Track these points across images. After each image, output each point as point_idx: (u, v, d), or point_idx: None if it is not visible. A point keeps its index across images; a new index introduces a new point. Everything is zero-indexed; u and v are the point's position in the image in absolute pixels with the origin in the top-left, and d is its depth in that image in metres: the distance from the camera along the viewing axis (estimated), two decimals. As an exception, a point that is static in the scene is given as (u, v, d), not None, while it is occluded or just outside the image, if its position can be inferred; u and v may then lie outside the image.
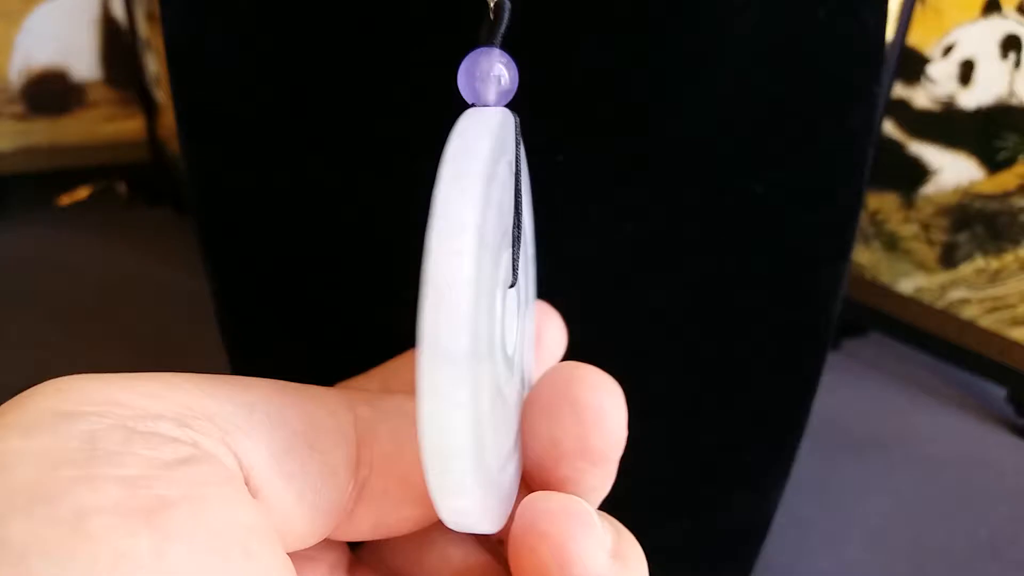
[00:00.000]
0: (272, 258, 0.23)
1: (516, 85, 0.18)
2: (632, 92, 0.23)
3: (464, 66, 0.17)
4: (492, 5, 0.18)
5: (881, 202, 0.50)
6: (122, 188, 0.64)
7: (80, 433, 0.12)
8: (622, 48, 0.22)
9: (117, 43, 0.57)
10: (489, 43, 0.18)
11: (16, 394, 0.13)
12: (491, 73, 0.17)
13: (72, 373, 0.14)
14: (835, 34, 0.23)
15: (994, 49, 0.44)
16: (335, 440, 0.15)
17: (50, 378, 0.13)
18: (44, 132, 0.57)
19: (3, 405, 0.13)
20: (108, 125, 0.58)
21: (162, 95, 0.56)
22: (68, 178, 0.61)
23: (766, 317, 0.26)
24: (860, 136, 0.24)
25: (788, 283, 0.26)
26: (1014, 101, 0.44)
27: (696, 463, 0.28)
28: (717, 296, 0.25)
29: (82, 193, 0.63)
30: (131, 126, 0.59)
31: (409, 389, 0.17)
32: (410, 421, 0.16)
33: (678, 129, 0.23)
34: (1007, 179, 0.45)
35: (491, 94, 0.17)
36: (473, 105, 0.17)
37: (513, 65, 0.18)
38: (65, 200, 0.63)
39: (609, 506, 0.27)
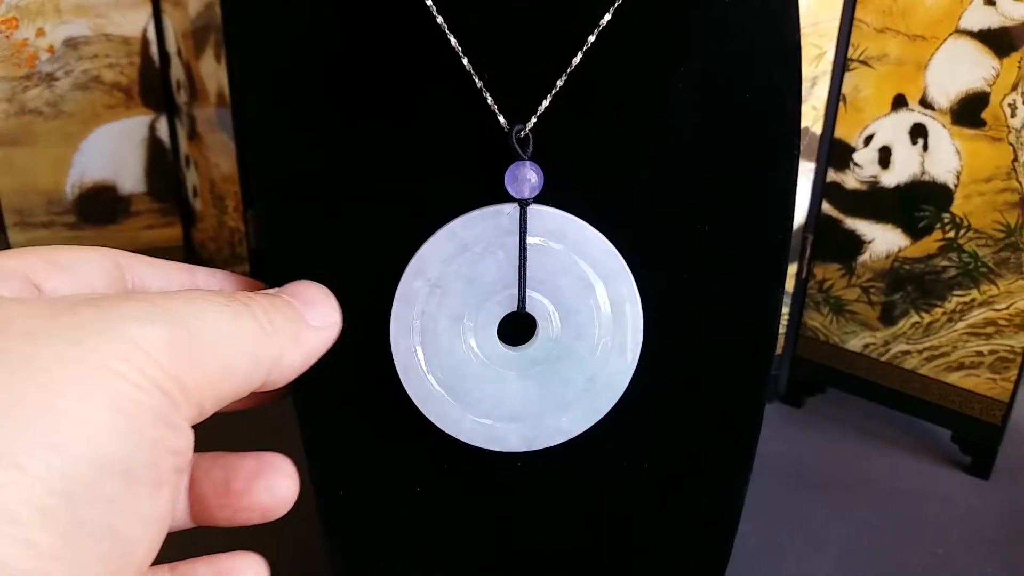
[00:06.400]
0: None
1: (542, 185, 0.27)
2: (605, 151, 0.29)
3: (509, 173, 0.27)
4: (510, 130, 0.27)
5: (826, 272, 0.57)
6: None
7: None
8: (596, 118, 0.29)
9: (161, 160, 0.64)
10: (523, 158, 0.27)
11: None
12: (526, 178, 0.27)
13: None
14: (759, 108, 0.29)
15: (905, 136, 0.52)
16: None
17: None
18: (92, 240, 0.63)
19: None
20: (148, 232, 0.65)
21: (200, 204, 0.63)
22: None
23: (717, 332, 0.31)
24: (786, 189, 0.31)
25: (736, 303, 0.31)
26: (926, 178, 0.52)
27: (664, 460, 0.33)
28: (676, 312, 0.31)
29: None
30: (169, 233, 0.66)
31: None
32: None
33: (645, 180, 0.29)
34: (928, 244, 0.52)
35: (526, 191, 0.27)
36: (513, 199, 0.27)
37: (540, 172, 0.27)
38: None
39: (596, 501, 0.33)
